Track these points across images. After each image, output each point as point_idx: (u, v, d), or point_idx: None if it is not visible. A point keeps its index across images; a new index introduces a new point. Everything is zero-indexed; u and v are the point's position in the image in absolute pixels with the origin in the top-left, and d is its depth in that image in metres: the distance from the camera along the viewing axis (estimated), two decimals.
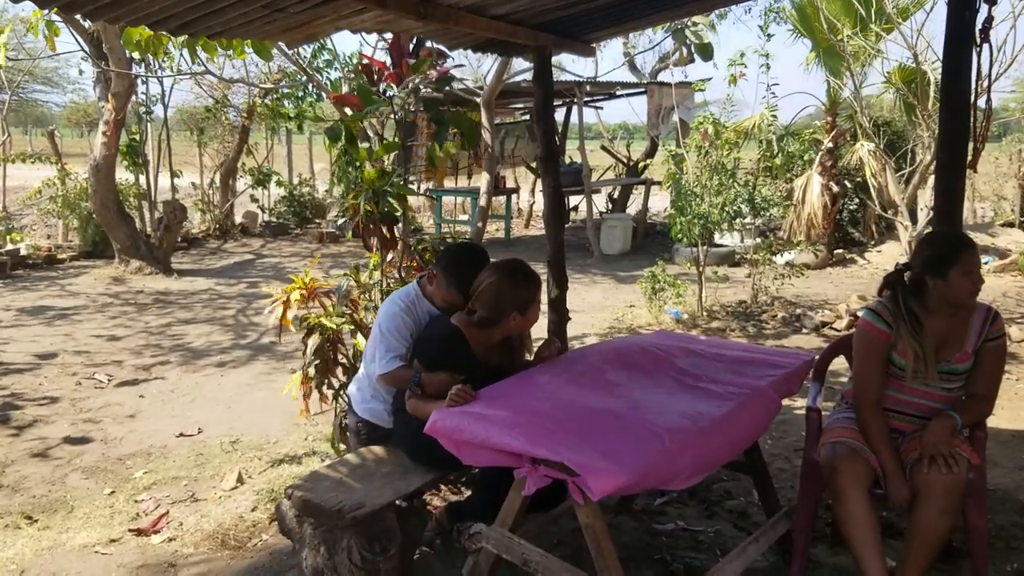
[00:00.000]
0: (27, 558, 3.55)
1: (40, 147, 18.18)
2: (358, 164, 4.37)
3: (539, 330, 4.79)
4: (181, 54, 6.13)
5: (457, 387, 2.86)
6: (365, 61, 4.88)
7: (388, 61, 4.43)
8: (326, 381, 4.22)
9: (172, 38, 5.82)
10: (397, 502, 3.11)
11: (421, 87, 3.98)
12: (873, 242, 11.68)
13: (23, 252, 11.43)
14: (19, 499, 4.20)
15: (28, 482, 4.41)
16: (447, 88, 6.23)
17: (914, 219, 9.37)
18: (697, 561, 3.37)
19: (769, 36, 8.81)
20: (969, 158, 3.60)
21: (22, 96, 25.62)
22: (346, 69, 10.25)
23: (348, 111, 4.23)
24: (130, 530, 3.79)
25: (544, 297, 4.31)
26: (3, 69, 8.52)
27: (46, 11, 6.32)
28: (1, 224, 12.26)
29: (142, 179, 12.50)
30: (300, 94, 13.52)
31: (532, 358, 3.54)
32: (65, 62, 22.60)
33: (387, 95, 4.21)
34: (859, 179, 11.23)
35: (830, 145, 10.81)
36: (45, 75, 25.78)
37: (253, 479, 4.35)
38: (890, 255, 10.86)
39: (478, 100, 6.76)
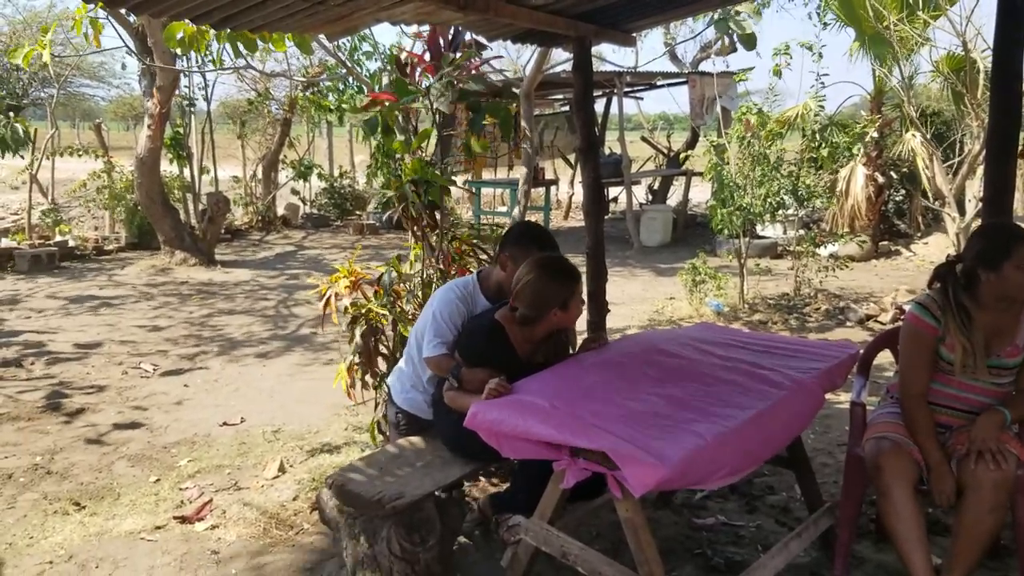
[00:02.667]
0: (75, 544, 3.63)
1: (87, 140, 18.52)
2: (396, 156, 4.38)
3: (579, 322, 4.79)
4: (223, 48, 6.18)
5: (495, 380, 2.86)
6: (401, 54, 4.89)
7: (426, 54, 4.43)
8: (369, 371, 4.25)
9: (212, 35, 5.90)
10: (436, 493, 3.12)
11: (455, 82, 3.96)
12: (919, 234, 11.46)
13: (71, 243, 11.68)
14: (67, 485, 4.29)
15: (76, 469, 4.50)
16: (486, 79, 6.22)
17: (962, 210, 9.17)
18: (738, 556, 3.34)
19: (825, 24, 8.64)
20: (1020, 147, 3.51)
21: (70, 90, 26.12)
22: (386, 61, 10.29)
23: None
24: (175, 517, 3.85)
25: (583, 289, 4.31)
26: (49, 66, 8.67)
27: (91, 6, 6.47)
28: (50, 216, 12.52)
29: (186, 171, 12.67)
30: (341, 87, 13.61)
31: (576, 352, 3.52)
32: (111, 56, 22.99)
33: (424, 87, 4.20)
34: (905, 170, 11.02)
35: (875, 135, 10.62)
36: (92, 69, 26.20)
37: (294, 468, 4.40)
38: (937, 247, 10.64)
39: (517, 91, 6.74)
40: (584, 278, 4.43)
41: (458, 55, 4.15)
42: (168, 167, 12.53)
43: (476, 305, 3.44)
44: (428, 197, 4.17)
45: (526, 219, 3.56)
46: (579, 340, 3.59)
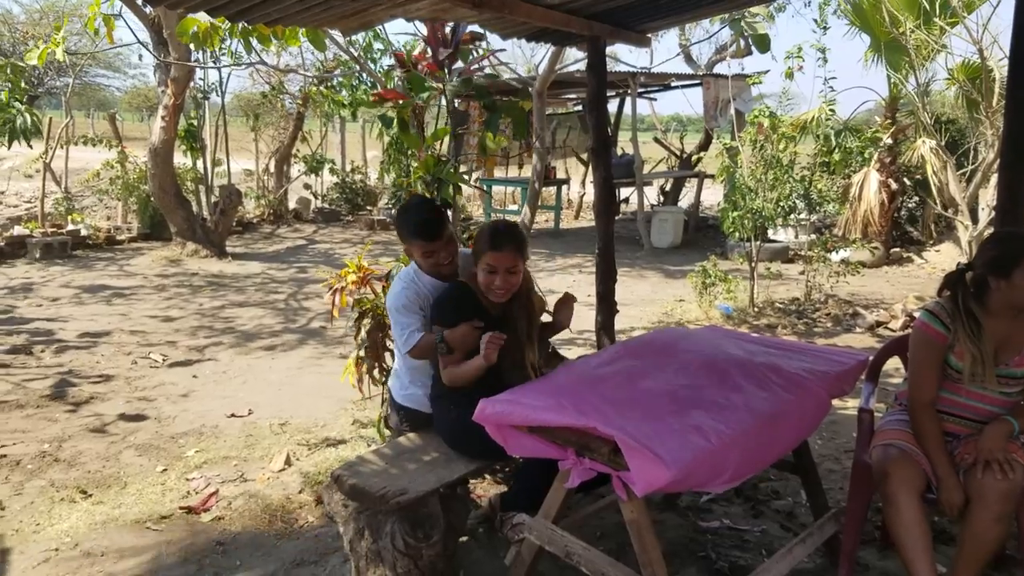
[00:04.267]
0: (81, 532, 3.65)
1: (102, 130, 18.60)
2: (409, 152, 4.39)
3: (587, 322, 4.79)
4: (239, 42, 6.18)
5: (488, 335, 2.97)
6: (406, 49, 4.89)
7: (427, 52, 4.43)
8: (376, 366, 4.26)
9: (226, 30, 5.91)
10: (440, 489, 3.12)
11: (462, 76, 3.97)
12: (931, 241, 11.40)
13: (83, 232, 11.73)
14: (75, 473, 4.31)
15: (83, 457, 4.52)
16: (496, 77, 6.21)
17: (975, 218, 9.11)
18: (742, 560, 3.33)
19: (825, 29, 8.62)
20: None
21: (85, 80, 26.27)
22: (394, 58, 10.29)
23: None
24: (181, 507, 3.87)
25: (592, 290, 4.30)
26: (61, 61, 8.72)
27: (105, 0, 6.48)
28: (63, 205, 12.59)
29: (199, 163, 12.72)
30: (354, 83, 13.63)
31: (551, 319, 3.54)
32: (127, 47, 23.06)
33: (439, 84, 4.20)
34: (918, 176, 10.97)
35: (889, 141, 10.58)
36: (107, 59, 26.33)
37: (301, 461, 4.41)
38: (949, 255, 10.60)
39: (530, 89, 6.73)
40: (594, 279, 4.44)
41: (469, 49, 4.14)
42: (181, 159, 12.57)
43: (423, 285, 3.44)
44: (439, 195, 4.17)
45: (408, 201, 3.60)
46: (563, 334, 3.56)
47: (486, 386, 2.98)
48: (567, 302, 3.48)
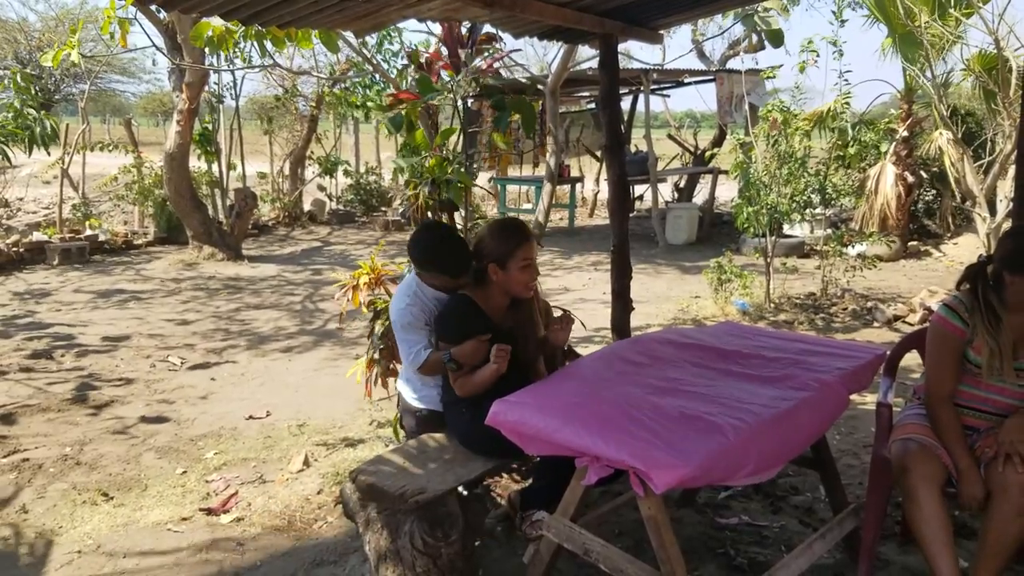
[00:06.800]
0: (103, 533, 3.68)
1: (118, 136, 18.73)
2: (422, 153, 4.39)
3: (602, 319, 4.78)
4: (252, 46, 6.21)
5: (496, 347, 2.95)
6: (421, 51, 4.90)
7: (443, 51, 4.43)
8: (390, 366, 4.27)
9: (240, 33, 5.94)
10: (459, 488, 3.13)
11: (479, 78, 3.97)
12: (949, 234, 11.31)
13: (101, 237, 11.83)
14: (96, 476, 4.35)
15: (104, 460, 4.56)
16: (509, 76, 6.21)
17: (993, 211, 9.04)
18: (761, 556, 3.32)
19: (843, 22, 8.55)
20: None
21: (100, 86, 26.44)
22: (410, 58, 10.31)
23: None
24: (200, 509, 3.90)
25: (608, 288, 4.29)
26: (77, 66, 8.80)
27: (120, 3, 6.53)
28: (80, 210, 12.69)
29: (214, 167, 12.79)
30: (368, 84, 13.67)
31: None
32: (141, 51, 23.23)
33: (448, 83, 4.21)
34: (935, 169, 10.89)
35: (905, 134, 10.50)
36: (122, 65, 26.49)
37: (319, 462, 4.43)
38: (967, 248, 10.51)
39: (542, 88, 6.73)
40: (609, 276, 4.43)
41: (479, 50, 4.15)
42: (197, 163, 12.65)
43: (427, 299, 3.42)
44: (448, 194, 4.16)
45: (435, 231, 3.52)
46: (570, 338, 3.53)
47: (496, 391, 2.95)
48: (565, 322, 3.33)
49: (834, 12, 8.52)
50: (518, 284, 3.20)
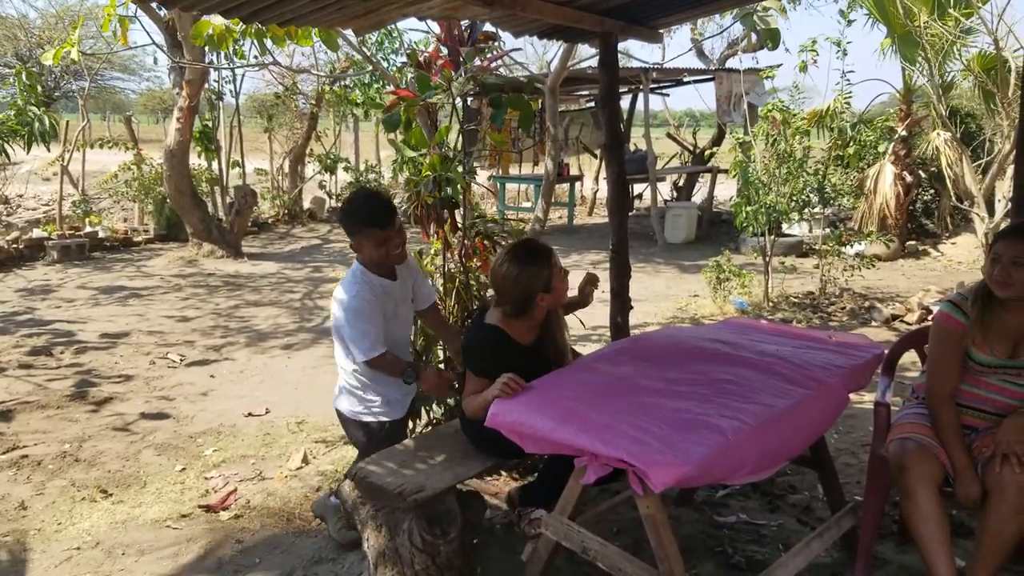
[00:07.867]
0: (102, 530, 3.69)
1: (118, 133, 18.73)
2: (421, 151, 4.38)
3: (601, 318, 4.78)
4: (253, 44, 6.22)
5: (506, 376, 2.82)
6: (420, 50, 4.89)
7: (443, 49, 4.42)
8: None
9: (239, 31, 5.94)
10: (457, 486, 3.13)
11: (476, 76, 3.96)
12: (947, 234, 11.32)
13: (101, 234, 11.83)
14: (95, 473, 4.36)
15: (104, 457, 4.57)
16: (507, 74, 6.21)
17: (991, 211, 9.05)
18: (759, 555, 3.33)
19: (850, 22, 8.56)
20: None
21: (100, 83, 26.45)
22: (409, 56, 10.30)
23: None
24: (200, 506, 3.90)
25: (606, 286, 4.29)
26: (77, 63, 8.79)
27: (120, 1, 6.53)
28: (80, 207, 12.69)
29: (214, 164, 12.78)
30: (367, 81, 13.67)
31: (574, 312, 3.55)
32: (142, 49, 23.21)
33: (445, 82, 4.19)
34: (934, 169, 10.90)
35: (904, 134, 10.51)
36: (122, 62, 26.50)
37: (318, 459, 4.44)
38: (965, 248, 10.52)
39: (540, 86, 6.72)
40: (608, 275, 4.43)
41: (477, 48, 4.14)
42: (196, 160, 12.65)
43: (375, 285, 3.33)
44: (447, 192, 4.15)
45: (355, 194, 3.50)
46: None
47: None
48: (592, 282, 3.55)
49: (841, 12, 8.53)
50: (561, 294, 3.20)
